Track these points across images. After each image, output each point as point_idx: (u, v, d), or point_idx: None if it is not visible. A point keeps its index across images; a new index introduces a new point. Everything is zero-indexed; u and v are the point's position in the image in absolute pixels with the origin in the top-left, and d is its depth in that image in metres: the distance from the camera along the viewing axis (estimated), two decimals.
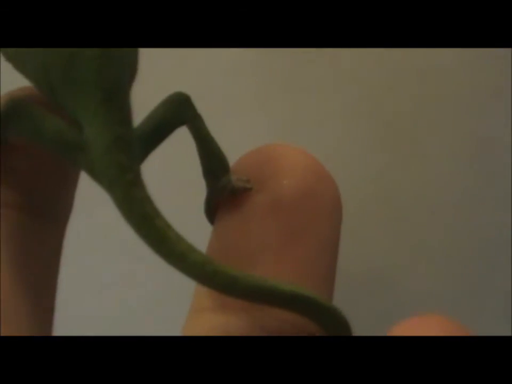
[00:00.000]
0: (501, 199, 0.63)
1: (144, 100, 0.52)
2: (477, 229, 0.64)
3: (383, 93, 0.64)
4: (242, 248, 0.22)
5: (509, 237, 0.63)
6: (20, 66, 0.22)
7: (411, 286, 0.63)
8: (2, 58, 0.23)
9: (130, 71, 0.22)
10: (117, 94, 0.21)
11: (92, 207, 0.51)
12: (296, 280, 0.21)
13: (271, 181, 0.22)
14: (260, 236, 0.22)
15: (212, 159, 0.23)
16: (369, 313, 0.55)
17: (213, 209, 0.24)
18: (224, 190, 0.23)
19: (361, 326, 0.47)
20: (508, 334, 0.61)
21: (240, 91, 0.62)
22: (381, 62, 0.64)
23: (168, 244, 0.20)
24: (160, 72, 0.50)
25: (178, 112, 0.23)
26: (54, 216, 0.23)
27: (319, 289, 0.22)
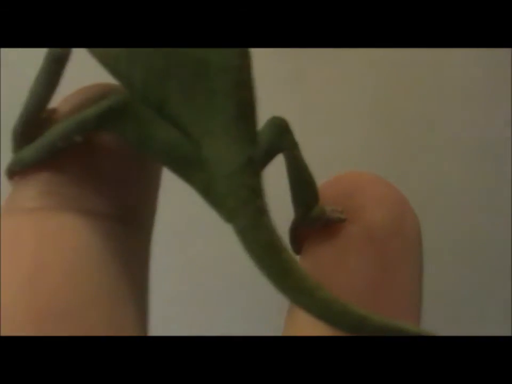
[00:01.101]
0: (502, 200, 0.63)
1: None
2: (478, 230, 0.64)
3: (387, 93, 0.64)
4: (340, 280, 0.21)
5: (509, 238, 0.63)
6: (119, 69, 0.21)
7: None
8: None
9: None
10: (251, 110, 0.20)
11: None
12: (396, 310, 0.21)
13: (362, 212, 0.22)
14: (357, 267, 0.21)
15: (305, 188, 0.22)
16: None
17: (300, 239, 0.23)
18: (317, 221, 0.22)
19: None
20: (508, 334, 0.61)
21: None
22: (384, 62, 0.64)
23: (294, 279, 0.19)
24: None
25: (280, 139, 0.22)
26: (142, 224, 0.22)
27: (414, 318, 0.21)
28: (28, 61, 0.49)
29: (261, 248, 0.19)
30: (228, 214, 0.19)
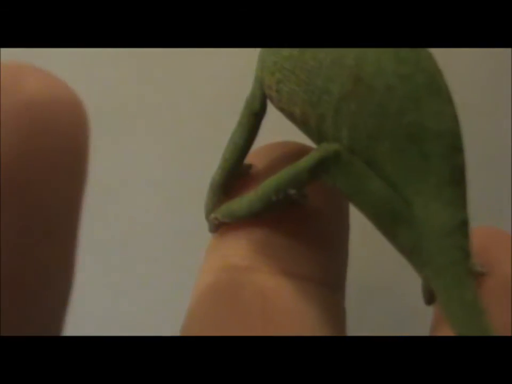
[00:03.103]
0: (503, 201, 0.63)
1: (152, 101, 0.52)
2: None
3: None
4: None
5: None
6: (323, 128, 0.21)
7: (417, 292, 0.63)
8: None
9: None
10: (463, 175, 0.21)
11: (107, 209, 0.51)
12: None
13: (498, 266, 0.22)
14: (500, 321, 0.21)
15: None
16: (379, 319, 0.55)
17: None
18: None
19: (370, 330, 0.46)
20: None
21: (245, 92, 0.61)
22: None
23: None
24: (168, 74, 0.50)
25: None
26: (341, 287, 0.23)
27: None
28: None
29: (463, 308, 0.19)
30: (434, 271, 0.20)
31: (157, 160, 0.51)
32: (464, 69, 0.64)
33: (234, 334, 0.20)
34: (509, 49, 0.57)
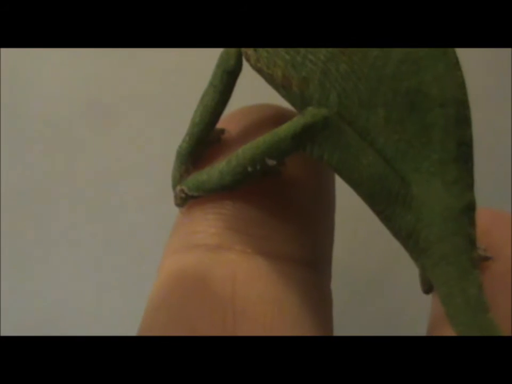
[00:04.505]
0: (502, 200, 0.63)
1: (149, 99, 0.52)
2: None
3: None
4: None
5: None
6: (307, 93, 0.19)
7: (412, 287, 0.63)
8: None
9: None
10: (470, 151, 0.18)
11: (97, 208, 0.50)
12: None
13: (502, 249, 0.21)
14: (505, 305, 0.20)
15: None
16: (370, 314, 0.55)
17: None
18: None
19: (361, 326, 0.46)
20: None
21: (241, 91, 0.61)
22: None
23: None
24: (163, 72, 0.50)
25: None
26: (326, 267, 0.21)
27: None
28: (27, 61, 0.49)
29: (466, 303, 0.17)
30: (434, 261, 0.18)
31: (153, 154, 0.50)
32: (464, 69, 0.63)
33: (201, 327, 0.18)
34: (509, 49, 0.57)
